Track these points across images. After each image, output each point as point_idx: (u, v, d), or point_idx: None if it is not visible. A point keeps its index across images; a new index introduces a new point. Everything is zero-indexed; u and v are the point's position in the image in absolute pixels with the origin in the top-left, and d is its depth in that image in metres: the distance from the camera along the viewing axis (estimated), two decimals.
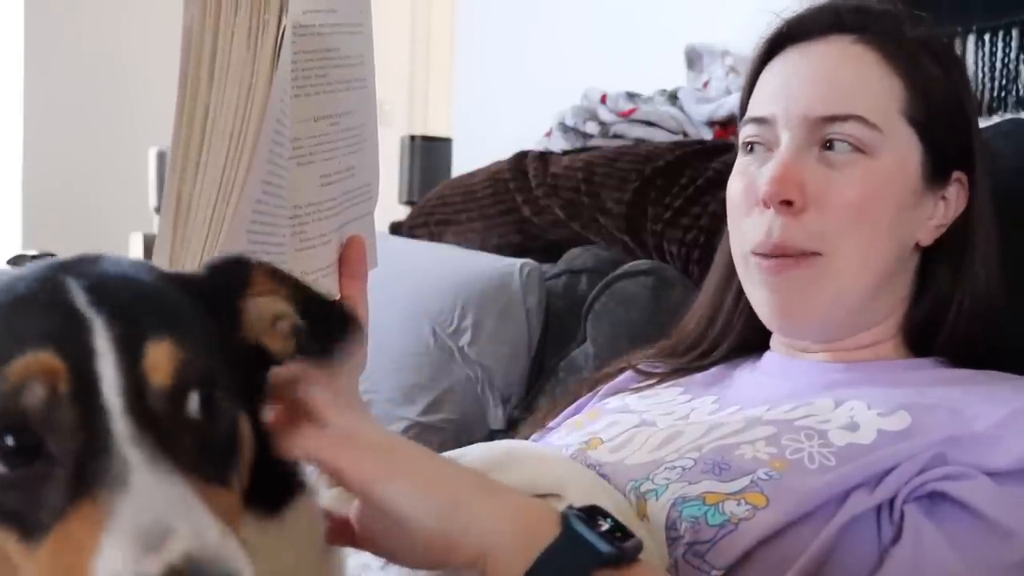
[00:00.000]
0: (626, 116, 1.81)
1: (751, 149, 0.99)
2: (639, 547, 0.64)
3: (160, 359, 0.51)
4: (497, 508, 0.63)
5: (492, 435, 1.66)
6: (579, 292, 1.69)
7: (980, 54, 1.48)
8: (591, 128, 1.84)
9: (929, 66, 0.96)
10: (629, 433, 0.93)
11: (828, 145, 0.93)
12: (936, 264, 0.98)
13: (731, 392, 1.00)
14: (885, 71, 0.94)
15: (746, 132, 0.99)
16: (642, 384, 1.08)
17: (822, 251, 0.93)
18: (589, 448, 0.92)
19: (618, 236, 1.66)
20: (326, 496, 0.68)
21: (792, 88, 0.96)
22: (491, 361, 1.72)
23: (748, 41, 1.03)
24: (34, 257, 1.34)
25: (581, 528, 0.62)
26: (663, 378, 1.08)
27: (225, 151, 0.71)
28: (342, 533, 0.66)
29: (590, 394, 1.12)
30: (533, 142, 1.94)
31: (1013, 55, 1.46)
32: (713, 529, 0.78)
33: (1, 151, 4.41)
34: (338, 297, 0.89)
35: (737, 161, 1.01)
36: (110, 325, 0.50)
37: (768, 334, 1.04)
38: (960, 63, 1.05)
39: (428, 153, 2.97)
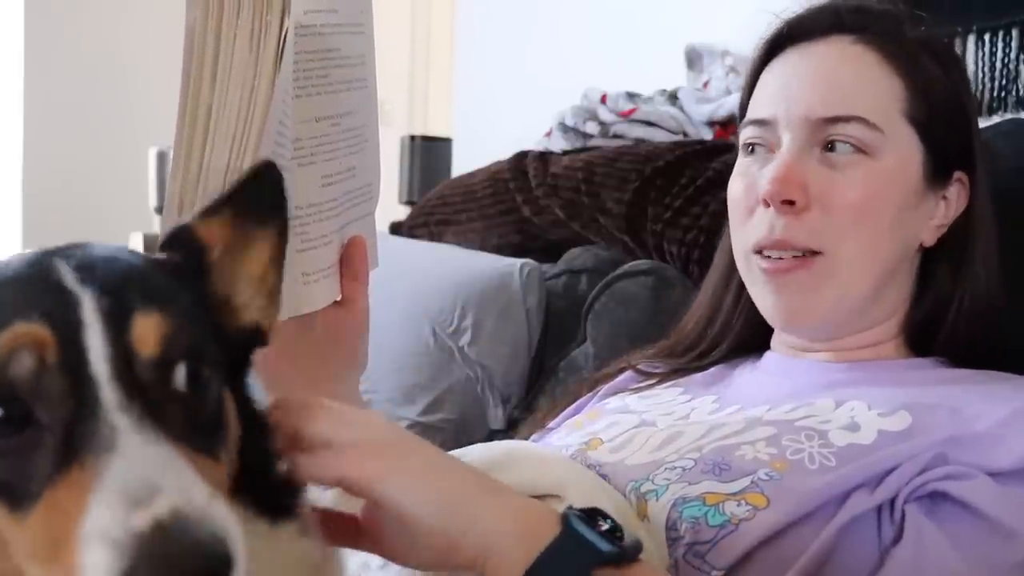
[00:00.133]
0: (626, 116, 1.80)
1: (752, 150, 0.99)
2: (639, 547, 0.64)
3: (147, 330, 0.51)
4: (499, 508, 0.64)
5: (492, 435, 1.66)
6: (579, 292, 1.69)
7: (980, 54, 1.48)
8: (591, 128, 1.84)
9: (929, 66, 0.96)
10: (629, 433, 0.93)
11: (829, 146, 0.93)
12: (936, 264, 0.98)
13: (731, 392, 1.00)
14: (885, 71, 0.94)
15: (747, 133, 0.99)
16: (642, 384, 1.08)
17: (824, 249, 0.93)
18: (589, 448, 0.92)
19: (618, 236, 1.66)
20: (326, 496, 0.69)
21: (792, 89, 0.96)
22: (491, 361, 1.72)
23: (748, 41, 1.03)
24: None
25: (581, 528, 0.62)
26: (663, 378, 1.08)
27: (228, 152, 0.71)
28: (344, 533, 0.66)
29: (590, 394, 1.12)
30: (533, 142, 1.94)
31: (1013, 55, 1.46)
32: (713, 529, 0.78)
33: (1, 151, 4.40)
34: (340, 299, 0.89)
35: (738, 162, 1.01)
36: (98, 299, 0.51)
37: (768, 334, 1.04)
38: (960, 63, 1.04)
39: (428, 153, 2.97)
